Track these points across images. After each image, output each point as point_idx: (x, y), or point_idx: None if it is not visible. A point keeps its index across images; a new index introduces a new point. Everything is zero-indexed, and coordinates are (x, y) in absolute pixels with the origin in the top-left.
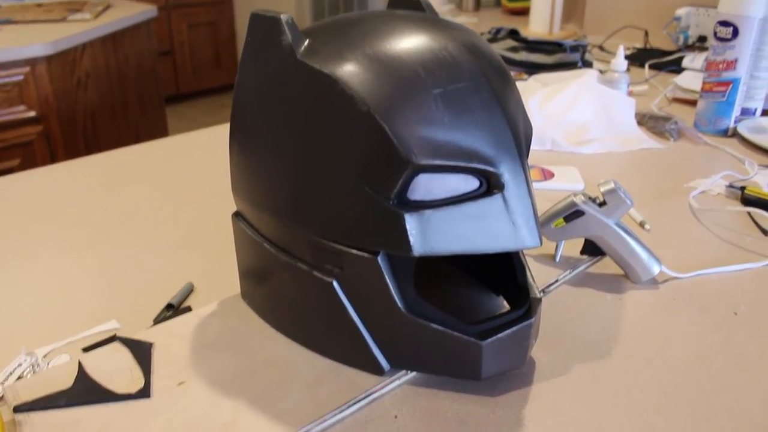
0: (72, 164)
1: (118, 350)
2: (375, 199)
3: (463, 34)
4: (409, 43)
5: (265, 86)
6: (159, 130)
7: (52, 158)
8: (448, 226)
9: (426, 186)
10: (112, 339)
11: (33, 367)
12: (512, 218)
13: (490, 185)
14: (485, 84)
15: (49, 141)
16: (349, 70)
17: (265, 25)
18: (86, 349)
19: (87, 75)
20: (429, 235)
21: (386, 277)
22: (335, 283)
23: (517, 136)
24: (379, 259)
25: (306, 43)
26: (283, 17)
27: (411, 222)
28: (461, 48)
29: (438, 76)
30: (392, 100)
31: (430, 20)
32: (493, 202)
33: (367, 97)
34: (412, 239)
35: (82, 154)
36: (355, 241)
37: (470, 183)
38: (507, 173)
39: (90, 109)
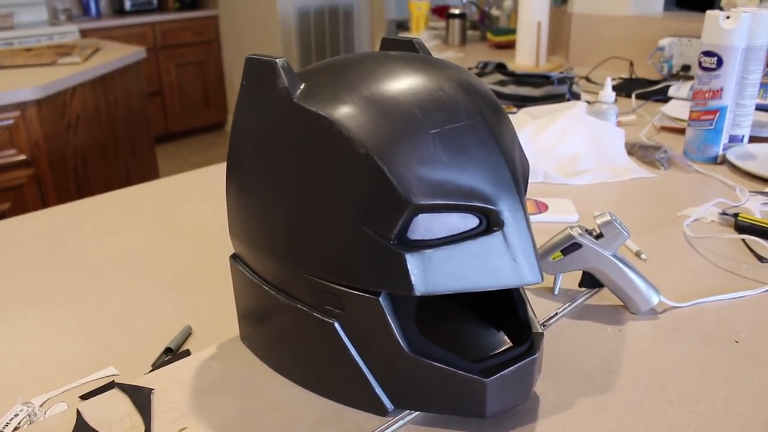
0: (64, 208)
1: (117, 397)
2: (375, 240)
3: (458, 74)
4: (405, 84)
5: (262, 129)
6: (149, 171)
7: (43, 201)
8: (449, 264)
9: (426, 225)
10: (110, 386)
11: (30, 416)
12: (513, 255)
13: (490, 223)
14: (482, 123)
15: (39, 184)
16: (346, 112)
17: (260, 68)
18: (84, 397)
19: (77, 117)
20: (430, 274)
21: (388, 317)
22: (337, 325)
23: (515, 173)
24: (381, 299)
25: (302, 86)
26: (279, 61)
27: (412, 262)
28: (456, 87)
29: (435, 116)
30: (390, 141)
31: (424, 60)
32: (494, 240)
33: (365, 139)
34: (413, 279)
35: (73, 196)
36: (356, 282)
37: (470, 221)
38: (506, 210)
39: (80, 151)
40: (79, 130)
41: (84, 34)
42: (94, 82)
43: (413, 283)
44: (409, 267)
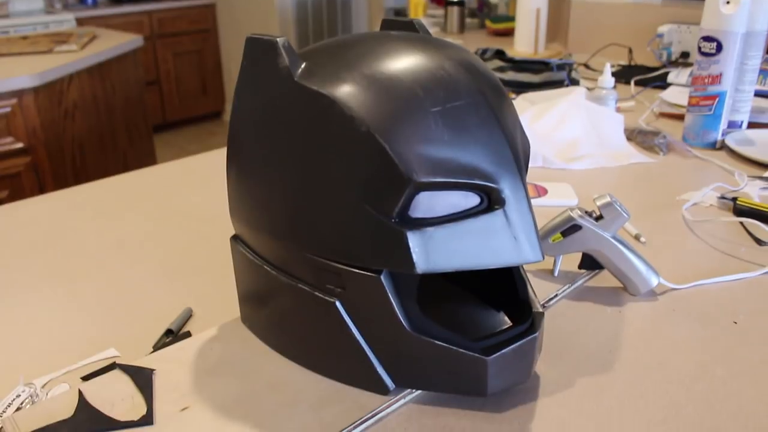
0: (62, 194)
1: (119, 378)
2: (377, 218)
3: (459, 53)
4: (406, 62)
5: (263, 109)
6: (147, 159)
7: (41, 189)
8: (450, 242)
9: (427, 203)
10: (111, 367)
11: (32, 397)
12: (514, 233)
13: (491, 201)
14: (483, 101)
15: (37, 172)
16: (347, 90)
17: (261, 48)
18: (85, 378)
19: (74, 105)
20: (432, 252)
21: (390, 295)
22: (338, 304)
23: (516, 152)
24: (382, 277)
25: (303, 65)
26: (280, 40)
27: (413, 240)
28: (458, 66)
29: (436, 94)
30: (392, 119)
31: (425, 40)
32: (495, 218)
33: (366, 117)
34: (415, 257)
35: (71, 184)
36: (358, 261)
37: (471, 199)
38: (507, 189)
39: (78, 139)
40: (77, 118)
41: (80, 22)
42: (91, 70)
43: (415, 261)
44: (410, 245)
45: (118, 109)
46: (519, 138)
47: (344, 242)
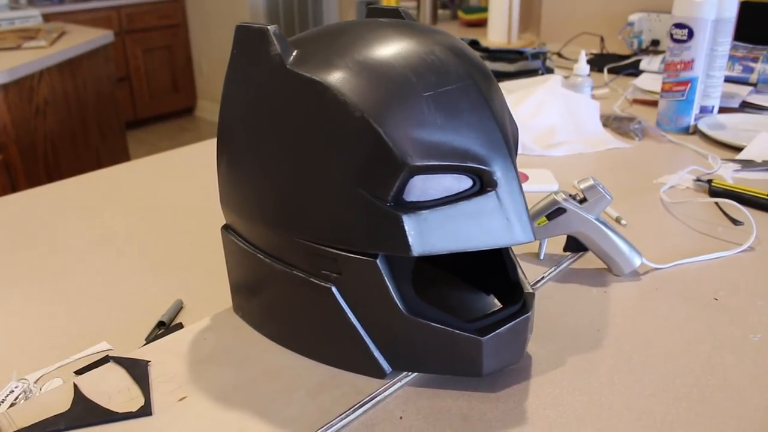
0: (39, 191)
1: (114, 370)
2: (372, 203)
3: (446, 38)
4: (397, 48)
5: (254, 97)
6: (121, 157)
7: (13, 187)
8: (444, 225)
9: (421, 187)
10: (104, 360)
11: (25, 392)
12: (506, 214)
13: (483, 183)
14: (473, 86)
15: (9, 170)
16: (340, 76)
17: (252, 36)
18: (79, 372)
19: (45, 102)
20: (427, 234)
21: (386, 279)
22: (334, 289)
23: (506, 135)
24: (378, 261)
25: (294, 52)
26: (271, 28)
27: (409, 223)
28: (447, 52)
29: (428, 79)
30: (385, 104)
31: (413, 26)
32: (488, 200)
33: (359, 103)
34: (410, 240)
35: (44, 182)
36: (354, 245)
37: (464, 182)
38: (499, 171)
39: (50, 136)
40: (48, 115)
41: (46, 18)
42: (62, 66)
43: (410, 244)
44: (406, 228)
45: (90, 105)
46: (507, 121)
47: (340, 227)
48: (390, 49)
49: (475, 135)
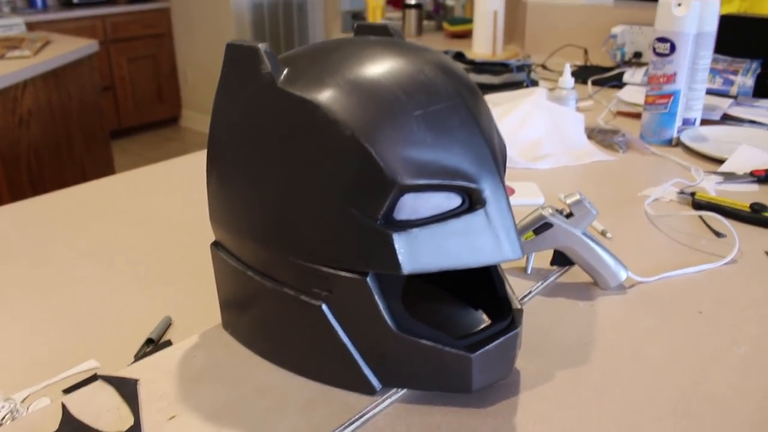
0: (22, 205)
1: (102, 389)
2: (362, 221)
3: (435, 56)
4: (387, 67)
5: (245, 115)
6: (105, 167)
7: None
8: (434, 243)
9: (412, 205)
10: (93, 378)
11: (12, 412)
12: (495, 232)
13: (473, 201)
14: (462, 104)
15: None
16: (330, 95)
17: (242, 54)
18: (67, 391)
19: (29, 113)
20: (417, 253)
21: (376, 296)
22: (324, 307)
23: (494, 153)
24: (369, 279)
25: (285, 71)
26: (261, 46)
27: (399, 241)
28: (437, 70)
29: (417, 98)
30: (375, 123)
31: (401, 44)
32: (477, 218)
33: (350, 121)
34: (401, 258)
35: (27, 193)
36: (344, 264)
37: (453, 200)
38: (488, 189)
39: (34, 147)
40: (32, 125)
41: (30, 26)
42: (46, 76)
43: (401, 262)
44: (396, 246)
45: (75, 115)
46: (496, 138)
47: (330, 246)
48: (380, 67)
49: (465, 153)
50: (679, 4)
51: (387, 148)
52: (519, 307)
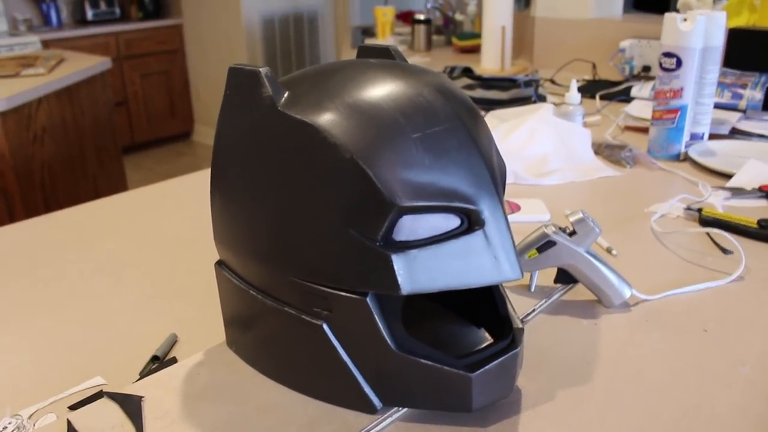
0: (36, 222)
1: (107, 406)
2: (361, 242)
3: (435, 79)
4: (386, 90)
5: (247, 137)
6: (118, 182)
7: (10, 215)
8: (433, 263)
9: (410, 226)
10: (98, 395)
11: (19, 429)
12: (494, 253)
13: (471, 222)
14: (461, 126)
15: (6, 198)
16: (330, 118)
17: (244, 78)
18: (72, 407)
19: (43, 129)
20: (416, 273)
21: (376, 317)
22: (325, 326)
23: (493, 174)
24: (368, 299)
25: (286, 94)
26: (262, 70)
27: (398, 262)
28: (435, 93)
29: (416, 121)
30: (374, 146)
31: (402, 67)
32: (475, 239)
33: (349, 144)
34: (400, 278)
35: (41, 209)
36: (344, 284)
37: (452, 221)
38: (486, 210)
39: (47, 163)
40: (46, 142)
41: (45, 44)
42: (60, 93)
43: (400, 282)
44: (395, 267)
45: (88, 132)
46: (495, 159)
47: (330, 266)
48: (379, 90)
49: (463, 175)
50: (685, 19)
51: (386, 170)
52: (520, 326)
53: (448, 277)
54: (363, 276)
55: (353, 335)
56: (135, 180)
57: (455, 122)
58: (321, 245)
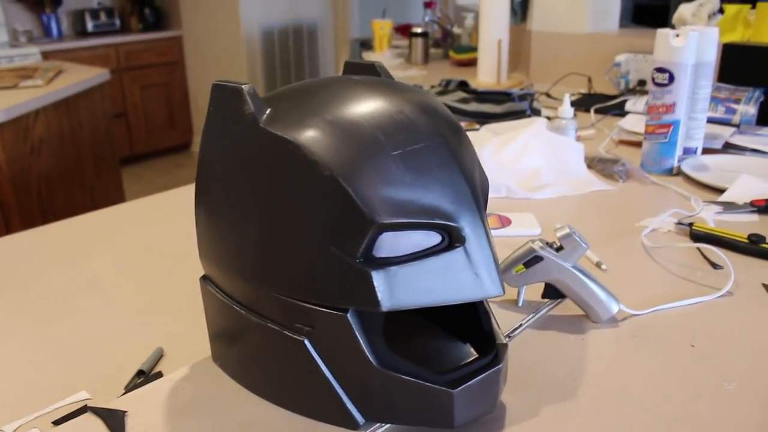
0: (30, 234)
1: (91, 421)
2: (342, 259)
3: (418, 96)
4: (367, 107)
5: (229, 154)
6: (115, 193)
7: (6, 226)
8: (413, 280)
9: (390, 243)
10: (83, 410)
11: None
12: (475, 269)
13: (452, 239)
14: (442, 143)
15: (2, 209)
16: (311, 136)
17: (227, 94)
18: (56, 422)
19: (40, 141)
20: (396, 289)
21: (356, 333)
22: (307, 342)
23: (475, 191)
24: (349, 315)
25: (268, 111)
26: (245, 87)
27: (378, 279)
28: (417, 110)
29: (396, 138)
30: (354, 163)
31: (385, 84)
32: (456, 256)
33: (329, 162)
34: (379, 295)
35: (38, 220)
36: (325, 300)
37: (433, 238)
38: (467, 227)
39: (44, 175)
40: (43, 153)
41: (46, 56)
42: (58, 105)
43: (379, 299)
44: (375, 284)
45: (85, 143)
46: (477, 175)
47: (311, 282)
48: (360, 108)
49: (444, 192)
50: (677, 35)
51: (365, 187)
52: (504, 341)
53: (428, 293)
54: (344, 292)
55: (335, 351)
56: (134, 191)
57: (437, 139)
58: (302, 261)
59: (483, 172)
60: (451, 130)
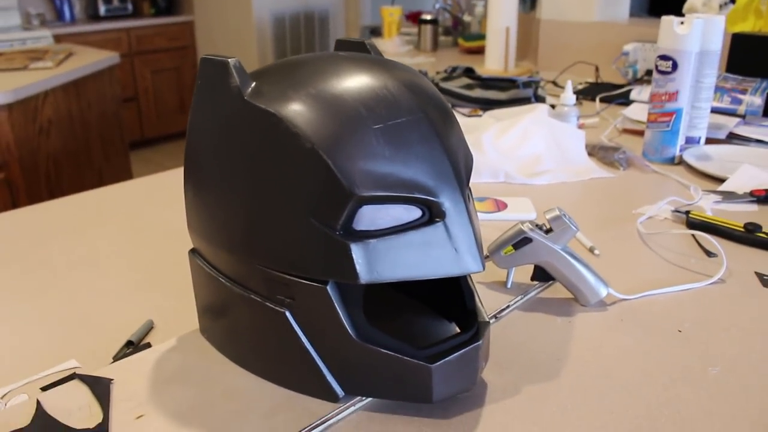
0: (33, 209)
1: (77, 387)
2: (322, 231)
3: (404, 73)
4: (351, 82)
5: (216, 127)
6: (123, 176)
7: (14, 206)
8: (392, 254)
9: (370, 216)
10: (71, 377)
11: None
12: (454, 245)
13: (432, 214)
14: (424, 119)
15: (11, 188)
16: (293, 109)
17: (214, 68)
18: (45, 389)
19: (49, 122)
20: (374, 263)
21: (336, 305)
22: (288, 314)
23: (457, 167)
24: (329, 288)
25: (253, 84)
26: (231, 61)
27: (357, 251)
28: (400, 86)
29: (378, 112)
30: (335, 136)
31: (372, 60)
32: (435, 230)
33: (311, 134)
34: (358, 267)
35: (45, 201)
36: (305, 272)
37: (413, 213)
38: (447, 202)
39: (53, 155)
40: (52, 134)
41: (58, 39)
42: (67, 86)
43: (358, 271)
44: (354, 256)
45: (94, 125)
46: (461, 153)
47: (292, 254)
48: (344, 83)
49: (424, 167)
50: (682, 23)
51: (346, 160)
52: (486, 320)
53: (407, 267)
54: (323, 264)
55: (315, 323)
56: (143, 174)
57: (418, 114)
58: (284, 233)
59: (468, 150)
60: (436, 108)
